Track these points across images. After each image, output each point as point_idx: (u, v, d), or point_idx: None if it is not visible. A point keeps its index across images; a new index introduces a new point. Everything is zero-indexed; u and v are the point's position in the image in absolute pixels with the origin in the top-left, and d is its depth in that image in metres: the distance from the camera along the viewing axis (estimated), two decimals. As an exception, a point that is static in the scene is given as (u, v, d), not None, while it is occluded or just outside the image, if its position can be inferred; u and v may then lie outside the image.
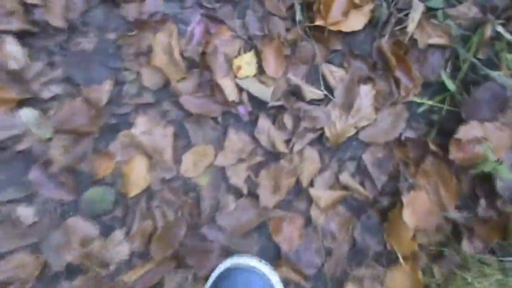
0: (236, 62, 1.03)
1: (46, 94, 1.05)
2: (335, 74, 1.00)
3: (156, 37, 1.05)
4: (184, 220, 1.03)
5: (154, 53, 1.04)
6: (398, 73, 0.96)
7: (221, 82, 1.02)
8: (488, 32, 0.88)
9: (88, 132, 1.04)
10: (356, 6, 0.97)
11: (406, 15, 0.96)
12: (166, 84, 1.05)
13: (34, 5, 1.05)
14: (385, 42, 0.97)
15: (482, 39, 0.89)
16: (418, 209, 0.90)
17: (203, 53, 1.04)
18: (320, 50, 1.01)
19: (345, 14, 0.97)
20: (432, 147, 0.90)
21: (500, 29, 0.87)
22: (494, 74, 0.87)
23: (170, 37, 1.04)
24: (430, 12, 0.95)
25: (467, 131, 0.87)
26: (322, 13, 0.98)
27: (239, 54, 1.04)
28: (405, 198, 0.89)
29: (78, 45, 1.06)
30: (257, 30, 1.04)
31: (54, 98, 1.05)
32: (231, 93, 1.02)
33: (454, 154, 0.86)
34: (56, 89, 1.05)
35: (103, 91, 1.04)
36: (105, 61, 1.05)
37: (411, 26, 0.93)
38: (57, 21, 1.04)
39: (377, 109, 0.99)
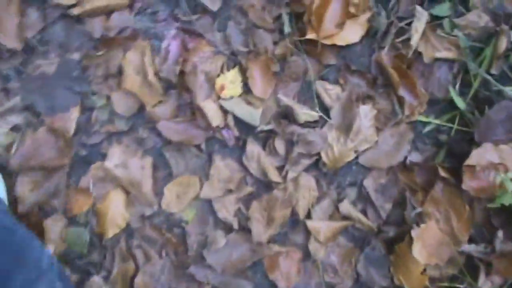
0: (219, 81, 0.92)
1: (4, 126, 0.92)
2: (330, 92, 0.90)
3: (127, 56, 0.93)
4: (169, 260, 0.92)
5: (125, 75, 0.92)
6: (401, 90, 0.86)
7: (202, 105, 0.91)
8: (502, 44, 0.78)
9: (58, 166, 0.92)
10: (351, 16, 0.86)
11: (408, 24, 0.86)
12: (141, 108, 0.93)
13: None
14: (385, 55, 0.87)
15: (495, 52, 0.79)
16: (429, 242, 0.81)
17: (181, 72, 0.93)
18: (312, 65, 0.91)
19: (340, 25, 0.86)
20: (442, 173, 0.81)
21: (515, 39, 0.78)
22: (509, 91, 0.78)
23: (142, 55, 0.92)
24: (435, 22, 0.85)
25: (481, 155, 0.78)
26: (313, 25, 0.87)
27: (221, 72, 0.93)
28: (414, 232, 0.80)
29: (38, 68, 0.93)
30: (240, 45, 0.92)
31: (13, 129, 0.92)
32: (214, 117, 0.91)
33: (468, 183, 0.77)
34: (15, 120, 0.93)
35: (70, 119, 0.93)
36: (70, 85, 0.93)
37: (415, 38, 0.83)
38: (10, 42, 0.91)
39: (378, 130, 0.89)
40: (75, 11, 0.91)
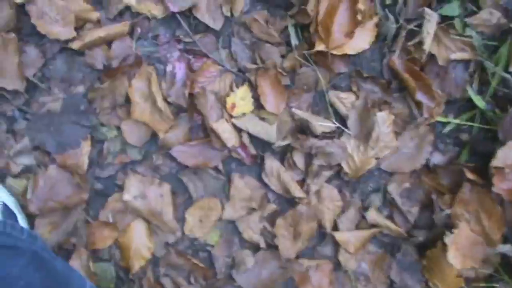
0: (229, 100, 0.90)
1: (14, 168, 0.90)
2: (344, 100, 0.88)
3: (132, 84, 0.90)
4: (199, 285, 0.91)
5: (133, 103, 0.90)
6: (417, 93, 0.84)
7: (215, 126, 0.89)
8: (519, 42, 0.77)
9: (76, 203, 0.90)
10: (359, 23, 0.84)
11: (418, 26, 0.83)
12: (153, 135, 0.91)
13: (-19, 68, 0.88)
14: (397, 59, 0.85)
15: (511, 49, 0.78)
16: (462, 245, 0.81)
17: (190, 95, 0.90)
18: (323, 74, 0.89)
19: (349, 34, 0.84)
20: (469, 175, 0.80)
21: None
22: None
23: (148, 81, 0.90)
24: (445, 22, 0.82)
25: (507, 154, 0.77)
26: (321, 35, 0.84)
27: (231, 90, 0.91)
28: (447, 239, 0.79)
29: (43, 106, 0.90)
30: (247, 61, 0.90)
31: (25, 171, 0.90)
32: (229, 138, 0.89)
33: (499, 186, 0.76)
34: (25, 161, 0.90)
35: (82, 154, 0.90)
36: (78, 120, 0.90)
37: (427, 41, 0.81)
38: (12, 84, 0.88)
39: (397, 134, 0.87)
40: (75, 46, 0.88)
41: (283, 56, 0.90)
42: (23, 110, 0.90)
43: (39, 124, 0.90)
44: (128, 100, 0.91)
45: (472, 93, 0.82)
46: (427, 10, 0.81)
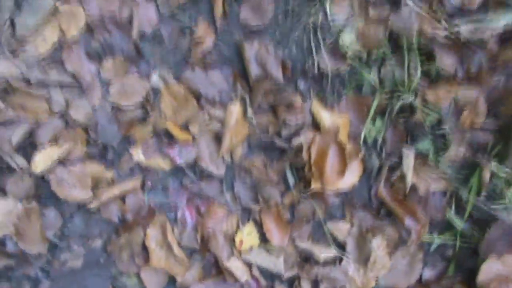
0: (237, 238, 0.99)
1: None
2: (341, 228, 0.99)
3: (148, 233, 0.98)
4: None
5: (150, 251, 0.98)
6: (404, 218, 0.96)
7: (228, 265, 0.97)
8: (486, 175, 0.90)
9: None
10: (347, 162, 0.96)
11: (399, 158, 0.96)
12: (171, 279, 0.98)
13: (5, 236, 0.94)
14: (383, 189, 0.97)
15: (481, 180, 0.91)
16: None
17: (201, 237, 0.99)
18: (319, 207, 1.00)
19: (341, 173, 0.96)
20: (459, 289, 0.91)
21: (495, 168, 0.90)
22: (501, 215, 0.90)
23: (162, 229, 0.98)
24: (421, 156, 0.96)
25: (489, 269, 0.89)
26: (316, 175, 0.96)
27: (238, 228, 1.00)
28: None
29: (65, 264, 0.97)
30: (250, 201, 1.00)
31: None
32: (241, 274, 0.98)
33: (488, 300, 0.88)
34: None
35: (104, 304, 0.96)
36: (99, 272, 0.97)
37: (408, 175, 0.94)
38: (35, 248, 0.95)
39: (390, 253, 0.98)
40: (93, 205, 0.96)
41: (282, 194, 1.00)
42: (46, 270, 0.96)
43: (62, 283, 0.96)
44: (144, 248, 0.98)
45: (451, 216, 0.95)
46: (404, 149, 0.95)
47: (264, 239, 1.00)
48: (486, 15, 0.90)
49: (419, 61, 0.93)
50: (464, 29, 0.91)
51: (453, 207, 0.95)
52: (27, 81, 0.95)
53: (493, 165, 0.91)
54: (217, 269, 1.00)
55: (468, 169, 0.94)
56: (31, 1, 0.95)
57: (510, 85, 0.93)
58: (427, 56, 0.93)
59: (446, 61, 0.93)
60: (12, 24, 0.94)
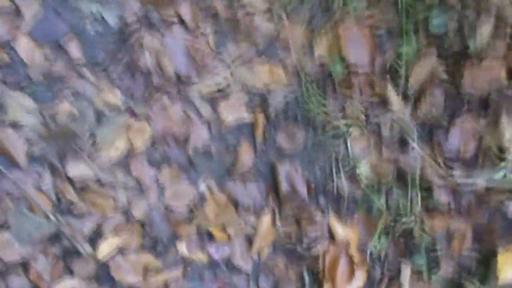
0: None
1: None
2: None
3: (184, 315, 1.17)
4: None
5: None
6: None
7: None
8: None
9: None
10: (355, 271, 1.17)
11: (398, 273, 1.17)
12: None
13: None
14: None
15: None
16: None
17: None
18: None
19: (349, 279, 1.16)
20: None
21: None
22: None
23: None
24: (417, 272, 1.16)
25: None
26: (327, 279, 1.16)
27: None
28: None
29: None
30: (274, 294, 1.20)
31: None
32: None
33: None
34: None
35: None
36: None
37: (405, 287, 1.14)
38: (92, 321, 1.14)
39: None
40: (143, 289, 1.16)
41: (300, 291, 1.20)
42: None
43: None
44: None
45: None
46: (402, 264, 1.15)
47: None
48: (475, 167, 1.12)
49: (420, 195, 1.15)
50: (457, 174, 1.13)
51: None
52: (99, 182, 1.16)
53: (476, 285, 1.12)
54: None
55: (455, 287, 1.14)
56: (111, 117, 1.17)
57: (492, 220, 1.14)
58: (427, 191, 1.15)
59: (442, 197, 1.15)
60: (92, 134, 1.17)
